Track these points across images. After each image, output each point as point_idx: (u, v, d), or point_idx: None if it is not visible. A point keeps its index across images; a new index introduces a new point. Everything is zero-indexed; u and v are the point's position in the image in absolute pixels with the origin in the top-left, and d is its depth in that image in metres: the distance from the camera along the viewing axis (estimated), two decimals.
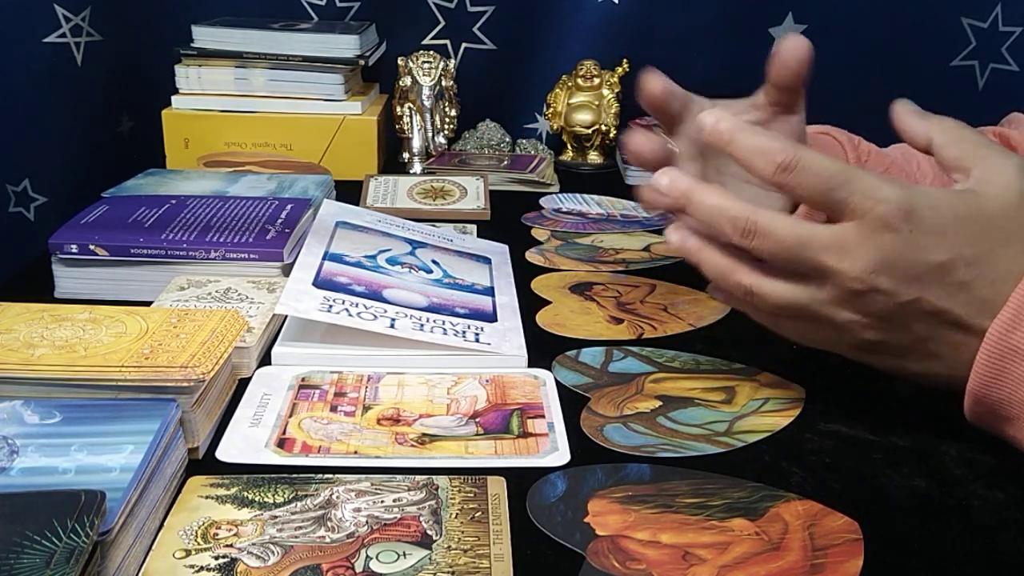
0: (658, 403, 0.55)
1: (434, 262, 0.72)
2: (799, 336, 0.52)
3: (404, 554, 0.41)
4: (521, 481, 0.47)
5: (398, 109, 1.08)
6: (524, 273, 0.76)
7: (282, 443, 0.50)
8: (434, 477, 0.47)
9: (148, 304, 0.62)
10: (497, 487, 0.46)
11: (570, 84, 1.11)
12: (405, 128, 1.07)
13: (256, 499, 0.45)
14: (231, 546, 0.41)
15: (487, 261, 0.76)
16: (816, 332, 0.51)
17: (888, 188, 0.47)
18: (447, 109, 1.08)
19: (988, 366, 0.47)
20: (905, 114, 0.53)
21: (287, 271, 0.66)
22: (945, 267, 0.46)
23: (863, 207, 0.46)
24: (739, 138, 0.49)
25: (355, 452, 0.50)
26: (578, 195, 1.00)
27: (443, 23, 1.15)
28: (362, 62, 1.02)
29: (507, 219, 0.90)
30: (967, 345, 0.48)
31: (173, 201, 0.76)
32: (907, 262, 0.46)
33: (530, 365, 0.60)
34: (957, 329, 0.48)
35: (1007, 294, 0.47)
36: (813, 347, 0.53)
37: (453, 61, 1.13)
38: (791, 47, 0.59)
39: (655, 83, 0.63)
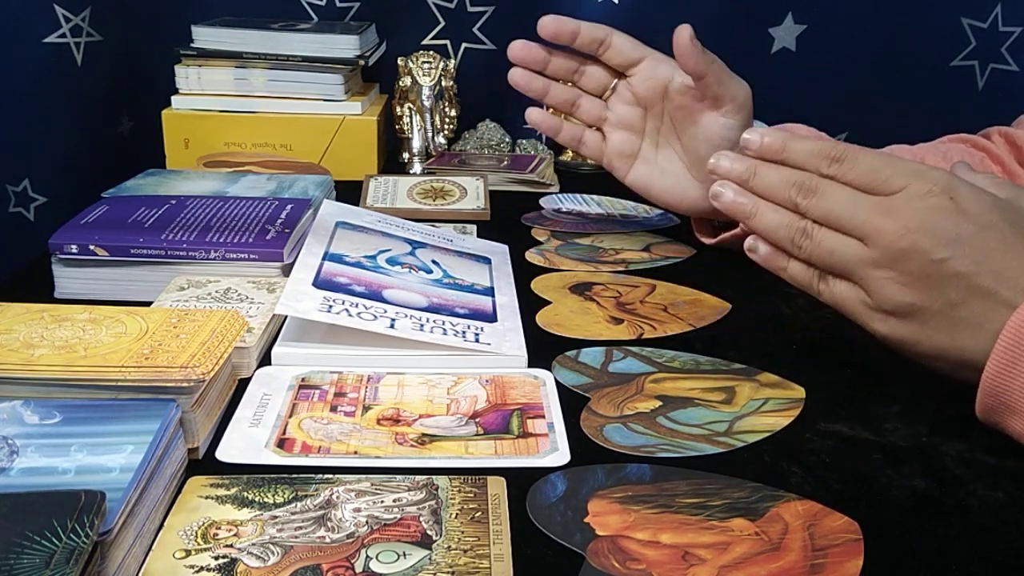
0: (658, 403, 0.55)
1: (434, 262, 0.72)
2: (832, 299, 0.55)
3: (404, 554, 0.41)
4: (521, 481, 0.47)
5: (398, 109, 1.08)
6: (524, 273, 0.76)
7: (282, 443, 0.50)
8: (434, 477, 0.47)
9: (148, 304, 0.62)
10: (497, 487, 0.46)
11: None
12: (405, 128, 1.07)
13: (256, 499, 0.45)
14: (231, 546, 0.41)
15: (487, 261, 0.76)
16: (852, 293, 0.53)
17: (933, 169, 0.52)
18: (447, 109, 1.08)
19: (1007, 351, 0.47)
20: (959, 170, 0.57)
21: (287, 271, 0.67)
22: (979, 234, 0.49)
23: (908, 181, 0.51)
24: (792, 146, 0.55)
25: (355, 452, 0.50)
26: (578, 195, 1.00)
27: (443, 23, 1.15)
28: (362, 62, 1.02)
29: (507, 219, 0.90)
30: (988, 316, 0.48)
31: (173, 201, 0.76)
32: (945, 223, 0.49)
33: (530, 365, 0.60)
34: (983, 297, 0.49)
35: None
36: (847, 315, 0.54)
37: (453, 61, 1.13)
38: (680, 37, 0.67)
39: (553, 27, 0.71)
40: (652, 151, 0.73)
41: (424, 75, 1.04)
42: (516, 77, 0.74)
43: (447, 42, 1.16)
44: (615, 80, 0.74)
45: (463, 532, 0.43)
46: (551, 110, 0.82)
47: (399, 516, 0.44)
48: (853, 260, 0.52)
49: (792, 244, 0.54)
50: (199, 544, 0.41)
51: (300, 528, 0.43)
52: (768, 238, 0.56)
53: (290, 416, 0.53)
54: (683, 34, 0.68)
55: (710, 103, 0.69)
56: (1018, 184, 0.58)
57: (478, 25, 1.15)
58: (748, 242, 0.57)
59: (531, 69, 0.74)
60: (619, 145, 0.74)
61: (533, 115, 0.75)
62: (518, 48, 0.73)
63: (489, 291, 0.69)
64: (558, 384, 0.58)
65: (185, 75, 1.02)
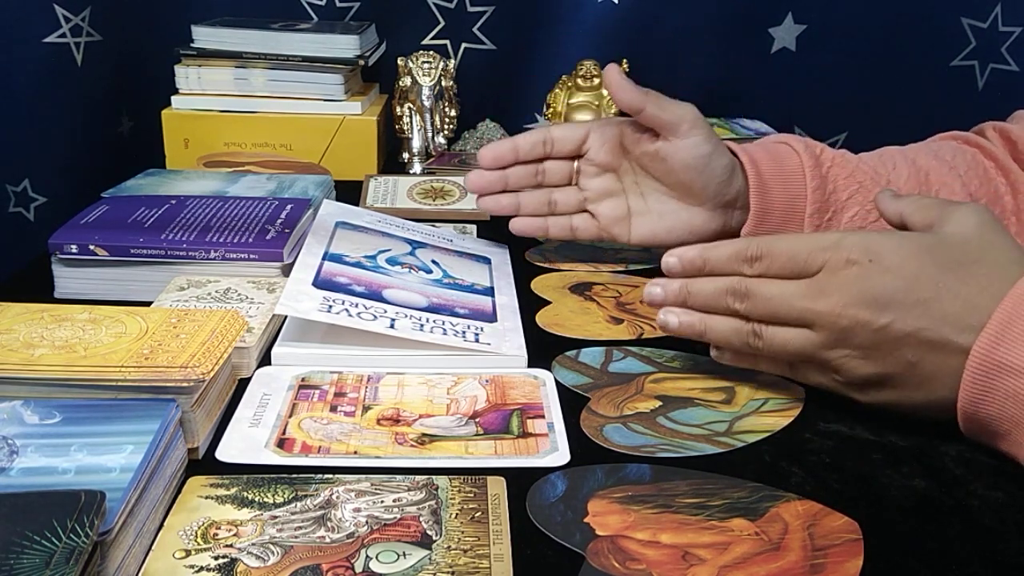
0: (658, 403, 0.55)
1: (434, 262, 0.72)
2: (809, 383, 0.55)
3: (404, 554, 0.41)
4: (521, 481, 0.47)
5: (398, 109, 1.08)
6: (524, 273, 0.76)
7: (282, 443, 0.50)
8: (434, 477, 0.47)
9: (148, 304, 0.62)
10: (497, 487, 0.46)
11: (570, 84, 1.11)
12: (405, 128, 1.07)
13: (256, 499, 0.45)
14: (231, 546, 0.41)
15: (487, 261, 0.76)
16: (824, 376, 0.54)
17: (847, 235, 0.52)
18: (447, 109, 1.08)
19: (974, 383, 0.47)
20: (882, 199, 0.58)
21: (287, 271, 0.66)
22: (910, 287, 0.49)
23: (826, 256, 0.51)
24: (710, 257, 0.55)
25: (355, 452, 0.50)
26: None
27: (443, 23, 1.15)
28: (362, 62, 1.03)
29: (507, 219, 0.90)
30: (951, 365, 0.48)
31: (173, 201, 0.76)
32: (875, 289, 0.49)
33: (530, 365, 0.60)
34: (937, 350, 0.49)
35: (982, 310, 0.48)
36: (830, 392, 0.54)
37: (453, 61, 1.13)
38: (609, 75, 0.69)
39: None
40: (641, 203, 0.74)
41: (424, 75, 1.04)
42: (485, 204, 0.75)
43: (447, 42, 1.16)
44: (574, 163, 0.75)
45: (463, 532, 0.43)
46: None
47: (399, 516, 0.44)
48: (807, 348, 0.52)
49: (749, 347, 0.54)
50: (199, 544, 0.41)
51: (300, 528, 0.43)
52: (727, 347, 0.56)
53: (290, 416, 0.53)
54: (612, 72, 0.69)
55: (665, 133, 0.69)
56: (952, 199, 0.58)
57: (478, 25, 1.15)
58: (714, 353, 0.57)
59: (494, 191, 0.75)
60: (609, 213, 0.74)
61: (517, 226, 0.76)
62: (475, 179, 0.74)
63: (489, 291, 0.69)
64: (558, 384, 0.58)
65: (185, 75, 1.02)
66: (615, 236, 0.75)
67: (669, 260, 0.56)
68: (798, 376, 0.56)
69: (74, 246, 0.67)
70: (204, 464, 0.49)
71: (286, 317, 0.62)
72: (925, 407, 0.51)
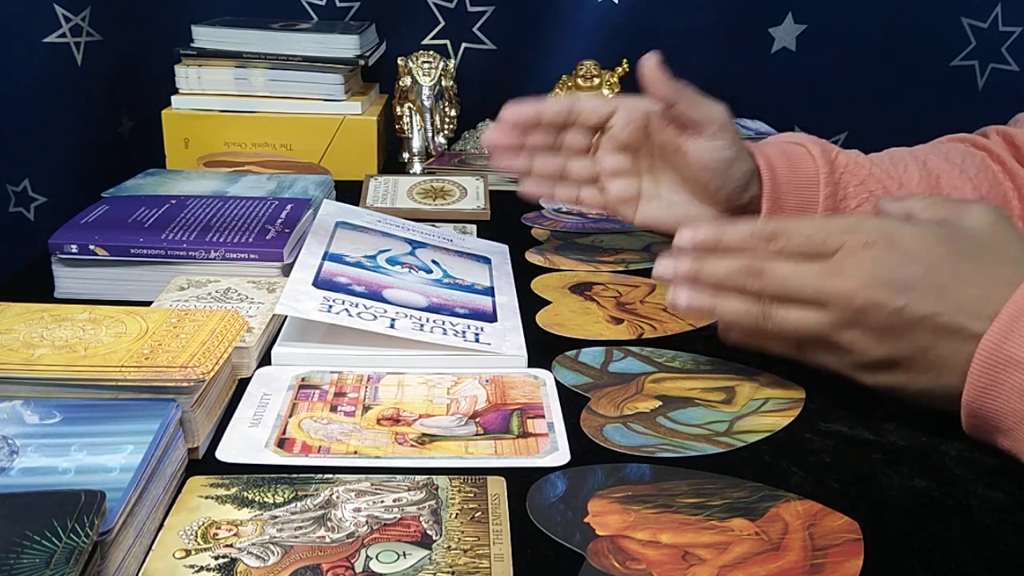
0: (658, 403, 0.55)
1: (434, 262, 0.72)
2: (819, 361, 0.55)
3: (404, 554, 0.41)
4: (521, 481, 0.47)
5: (398, 109, 1.08)
6: (524, 273, 0.76)
7: (282, 443, 0.50)
8: (434, 477, 0.47)
9: (148, 304, 0.62)
10: (497, 487, 0.46)
11: (570, 84, 1.11)
12: (405, 128, 1.07)
13: (256, 499, 0.45)
14: (231, 546, 0.41)
15: (487, 261, 0.76)
16: (832, 357, 0.54)
17: (865, 220, 0.53)
18: (447, 109, 1.08)
19: (981, 376, 0.47)
20: (885, 205, 0.58)
21: (287, 271, 0.67)
22: (928, 272, 0.49)
23: (845, 238, 0.51)
24: (725, 236, 0.55)
25: (355, 452, 0.50)
26: None
27: (443, 23, 1.15)
28: (362, 62, 1.03)
29: (507, 219, 0.90)
30: (963, 352, 0.48)
31: (173, 201, 0.76)
32: (892, 272, 0.50)
33: (530, 365, 0.60)
34: (950, 335, 0.49)
35: (997, 299, 0.48)
36: (838, 373, 0.54)
37: (453, 61, 1.13)
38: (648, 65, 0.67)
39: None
40: (653, 187, 0.73)
41: (424, 75, 1.04)
42: (498, 162, 0.75)
43: (447, 42, 1.16)
44: (595, 136, 0.74)
45: (463, 532, 0.43)
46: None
47: (399, 516, 0.44)
48: (819, 328, 0.52)
49: (759, 327, 0.54)
50: (199, 544, 0.41)
51: (300, 528, 0.43)
52: (736, 326, 0.56)
53: (290, 416, 0.53)
54: (650, 62, 0.67)
55: (692, 130, 0.69)
56: (959, 200, 0.58)
57: (478, 25, 1.15)
58: (720, 329, 0.57)
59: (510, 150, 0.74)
60: (619, 192, 0.73)
61: (524, 190, 0.75)
62: (492, 135, 0.73)
63: (489, 291, 0.69)
64: (558, 384, 0.58)
65: (185, 75, 1.02)
66: (619, 214, 0.75)
67: (682, 238, 0.56)
68: (805, 356, 0.55)
69: (74, 246, 0.67)
70: (204, 464, 0.49)
71: (286, 317, 0.62)
72: (930, 393, 0.51)
